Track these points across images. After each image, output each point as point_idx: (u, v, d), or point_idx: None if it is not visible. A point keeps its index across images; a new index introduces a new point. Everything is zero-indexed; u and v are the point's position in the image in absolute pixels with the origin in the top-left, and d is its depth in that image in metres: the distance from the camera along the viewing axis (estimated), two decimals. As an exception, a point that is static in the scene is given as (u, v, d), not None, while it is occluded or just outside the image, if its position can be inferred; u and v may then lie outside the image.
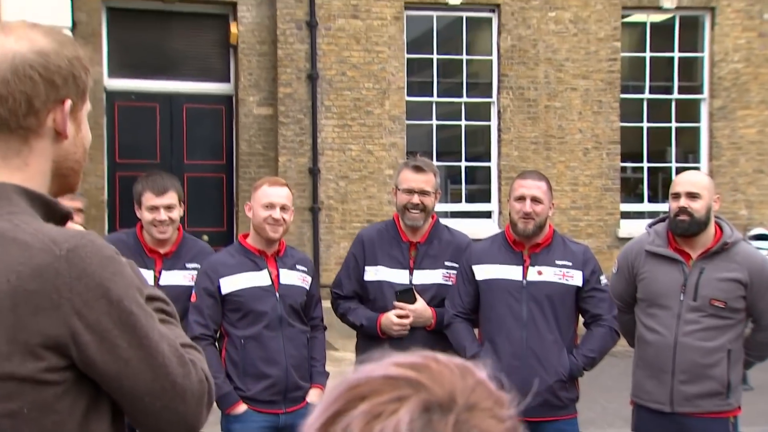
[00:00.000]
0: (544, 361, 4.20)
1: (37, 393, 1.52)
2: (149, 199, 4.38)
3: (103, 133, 11.11)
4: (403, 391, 0.88)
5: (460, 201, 12.04)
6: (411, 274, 4.40)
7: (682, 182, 4.30)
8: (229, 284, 4.20)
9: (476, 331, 4.48)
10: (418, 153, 5.38)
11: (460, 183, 12.07)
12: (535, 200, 4.22)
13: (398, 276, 4.41)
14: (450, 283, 4.43)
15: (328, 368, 4.46)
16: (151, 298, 1.70)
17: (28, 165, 1.63)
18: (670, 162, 12.47)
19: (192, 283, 4.36)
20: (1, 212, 1.55)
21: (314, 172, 11.28)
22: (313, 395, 4.25)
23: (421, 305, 4.32)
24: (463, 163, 12.04)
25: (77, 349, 1.53)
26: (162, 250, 4.46)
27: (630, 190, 12.59)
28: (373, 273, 4.47)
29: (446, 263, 4.46)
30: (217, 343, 4.29)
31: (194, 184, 11.53)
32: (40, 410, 1.53)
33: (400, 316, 4.29)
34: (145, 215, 4.40)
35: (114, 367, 1.57)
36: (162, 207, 4.36)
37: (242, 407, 4.13)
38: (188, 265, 4.45)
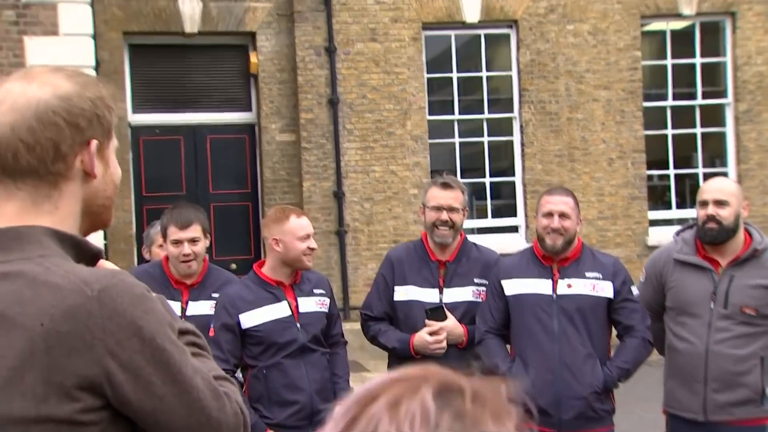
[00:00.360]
0: (577, 374, 4.18)
1: None
2: (173, 232, 4.41)
3: (129, 168, 11.26)
4: (415, 383, 0.92)
5: (486, 217, 12.08)
6: (441, 292, 4.40)
7: (709, 190, 4.28)
8: (249, 319, 4.18)
9: (509, 347, 4.47)
10: (444, 171, 5.38)
11: (486, 199, 12.11)
12: (563, 216, 4.23)
13: (428, 295, 4.41)
14: (480, 300, 4.43)
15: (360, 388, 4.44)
16: (183, 332, 1.71)
17: (58, 208, 1.64)
18: (697, 168, 12.43)
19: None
20: (32, 255, 1.57)
21: (339, 196, 11.36)
22: None
23: (451, 322, 4.31)
24: (488, 179, 12.09)
25: (112, 388, 1.54)
26: (188, 281, 4.50)
27: (657, 198, 12.58)
28: (403, 293, 4.47)
29: (476, 280, 4.46)
30: (240, 373, 4.29)
31: (220, 213, 11.65)
32: None
33: (432, 333, 4.28)
34: (171, 249, 4.44)
35: (149, 404, 1.58)
36: (186, 240, 4.39)
37: None
38: (214, 295, 4.46)
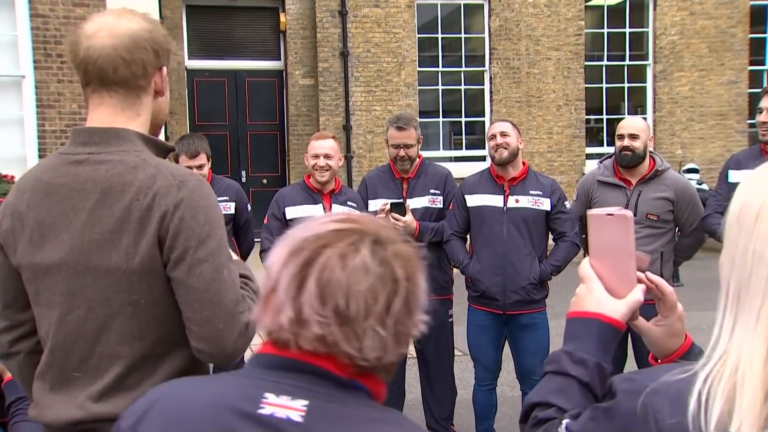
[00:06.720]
0: (519, 269, 4.20)
1: (151, 288, 1.55)
2: (184, 161, 4.33)
3: (185, 102, 11.18)
4: (353, 238, 0.99)
5: (461, 148, 12.02)
6: (405, 201, 4.41)
7: (625, 126, 4.27)
8: (291, 212, 4.20)
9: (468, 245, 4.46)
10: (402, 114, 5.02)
11: (461, 134, 12.02)
12: (503, 134, 4.19)
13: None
14: (434, 205, 4.42)
15: None
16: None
17: (139, 115, 1.65)
18: (624, 114, 12.27)
19: (224, 211, 4.27)
20: (128, 149, 1.60)
21: (347, 129, 11.29)
22: None
23: (409, 218, 4.28)
24: (463, 119, 12.00)
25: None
26: None
27: (593, 137, 12.52)
28: (374, 204, 4.45)
29: (431, 191, 4.45)
30: None
31: (255, 140, 11.64)
32: (153, 302, 1.56)
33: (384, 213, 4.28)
34: None
35: (182, 272, 1.56)
36: (194, 167, 4.29)
37: None
38: (219, 198, 4.35)
